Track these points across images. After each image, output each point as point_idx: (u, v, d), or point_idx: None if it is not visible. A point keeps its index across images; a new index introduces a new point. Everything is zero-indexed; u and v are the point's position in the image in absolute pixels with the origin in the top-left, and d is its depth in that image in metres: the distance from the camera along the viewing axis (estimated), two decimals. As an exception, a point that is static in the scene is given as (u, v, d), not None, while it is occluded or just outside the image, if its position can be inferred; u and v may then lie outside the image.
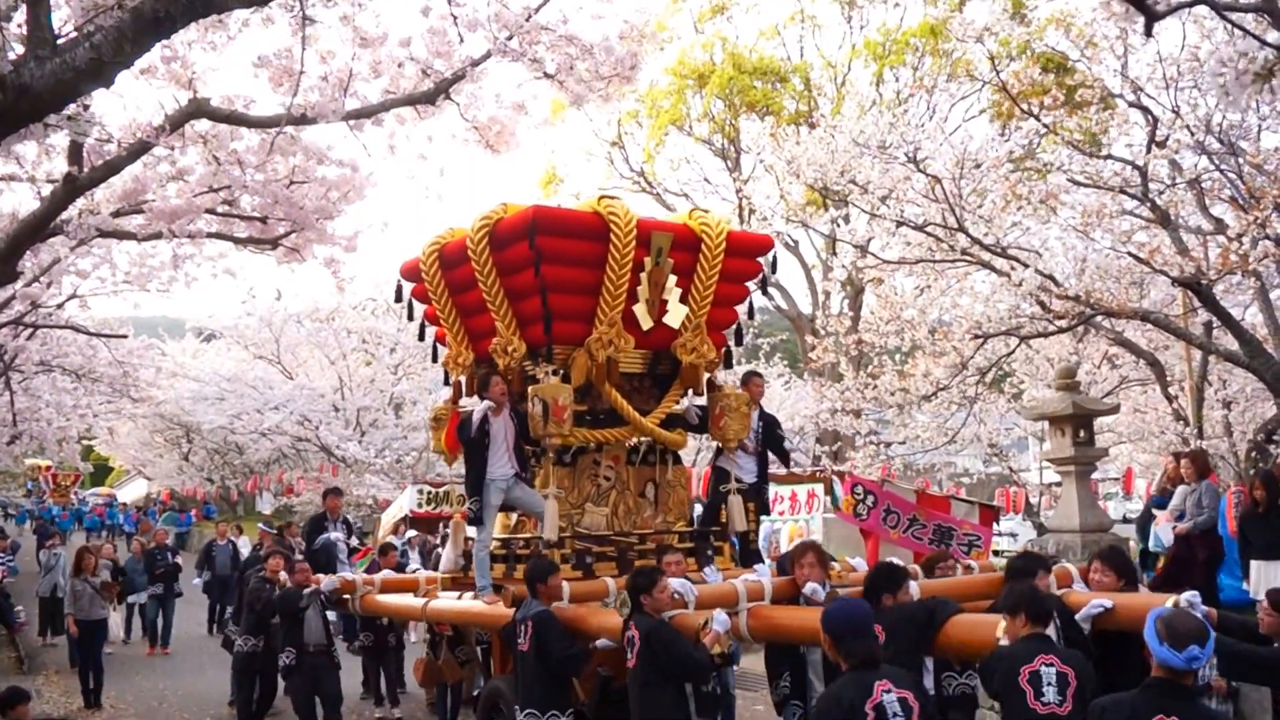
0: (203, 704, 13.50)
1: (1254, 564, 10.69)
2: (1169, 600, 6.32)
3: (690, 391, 9.73)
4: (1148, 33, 7.13)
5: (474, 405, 9.19)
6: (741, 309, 10.06)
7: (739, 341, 10.27)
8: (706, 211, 9.60)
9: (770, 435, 10.38)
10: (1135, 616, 6.57)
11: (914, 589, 7.14)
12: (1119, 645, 6.63)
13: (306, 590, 11.11)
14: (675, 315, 9.15)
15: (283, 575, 11.56)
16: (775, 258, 9.92)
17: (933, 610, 6.58)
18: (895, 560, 8.76)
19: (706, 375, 9.68)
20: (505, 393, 9.08)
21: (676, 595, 7.43)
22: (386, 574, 12.07)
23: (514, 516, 9.52)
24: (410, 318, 10.50)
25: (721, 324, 9.86)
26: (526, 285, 8.86)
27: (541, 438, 8.83)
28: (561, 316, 8.87)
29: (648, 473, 9.62)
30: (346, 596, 11.29)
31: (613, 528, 9.31)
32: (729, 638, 7.28)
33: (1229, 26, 12.21)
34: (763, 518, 11.60)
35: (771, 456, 10.57)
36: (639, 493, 9.55)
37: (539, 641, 7.67)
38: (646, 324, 9.05)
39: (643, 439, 9.53)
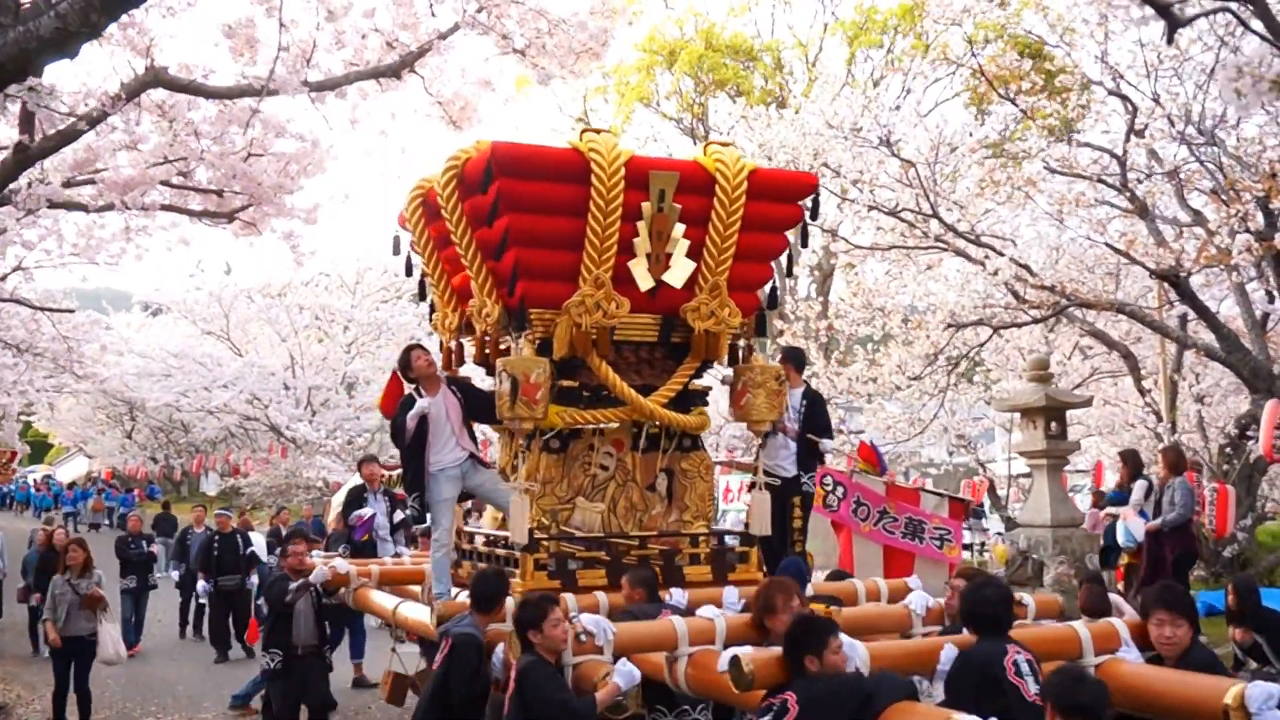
0: (146, 691, 13.03)
1: None
2: None
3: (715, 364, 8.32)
4: (1169, 40, 6.84)
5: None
6: (779, 263, 8.43)
7: (773, 304, 8.55)
8: (725, 145, 7.81)
9: (814, 416, 9.07)
10: None
11: (851, 648, 5.24)
12: None
13: (294, 584, 9.38)
14: (679, 273, 7.66)
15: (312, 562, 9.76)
16: (817, 201, 8.28)
17: (871, 693, 4.81)
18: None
19: (744, 343, 8.33)
20: (432, 364, 8.06)
21: (585, 637, 6.01)
22: (388, 562, 10.47)
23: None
24: (409, 273, 9.08)
25: (751, 282, 8.15)
26: (498, 238, 7.51)
27: (509, 421, 7.46)
28: (537, 275, 7.48)
29: (660, 461, 8.11)
30: (341, 590, 9.52)
31: (609, 527, 7.89)
32: (634, 695, 6.03)
33: (1211, 24, 12.07)
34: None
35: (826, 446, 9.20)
36: (647, 485, 8.06)
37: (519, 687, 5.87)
38: (646, 284, 7.59)
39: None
